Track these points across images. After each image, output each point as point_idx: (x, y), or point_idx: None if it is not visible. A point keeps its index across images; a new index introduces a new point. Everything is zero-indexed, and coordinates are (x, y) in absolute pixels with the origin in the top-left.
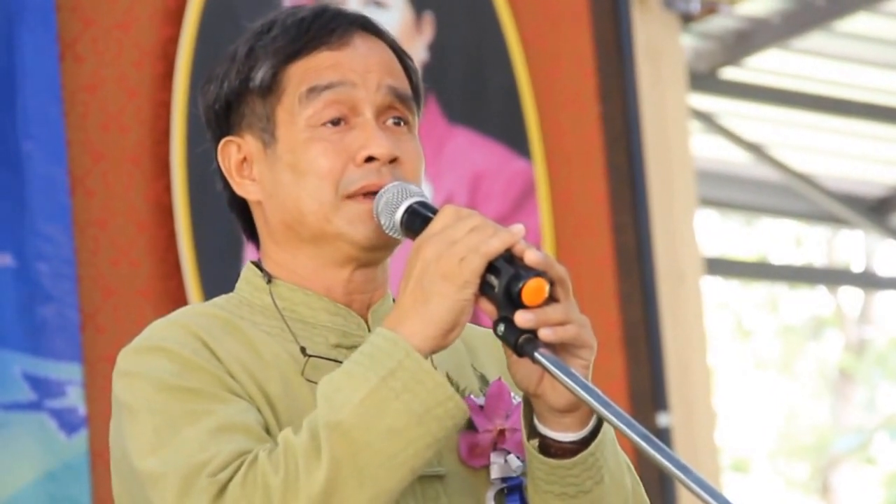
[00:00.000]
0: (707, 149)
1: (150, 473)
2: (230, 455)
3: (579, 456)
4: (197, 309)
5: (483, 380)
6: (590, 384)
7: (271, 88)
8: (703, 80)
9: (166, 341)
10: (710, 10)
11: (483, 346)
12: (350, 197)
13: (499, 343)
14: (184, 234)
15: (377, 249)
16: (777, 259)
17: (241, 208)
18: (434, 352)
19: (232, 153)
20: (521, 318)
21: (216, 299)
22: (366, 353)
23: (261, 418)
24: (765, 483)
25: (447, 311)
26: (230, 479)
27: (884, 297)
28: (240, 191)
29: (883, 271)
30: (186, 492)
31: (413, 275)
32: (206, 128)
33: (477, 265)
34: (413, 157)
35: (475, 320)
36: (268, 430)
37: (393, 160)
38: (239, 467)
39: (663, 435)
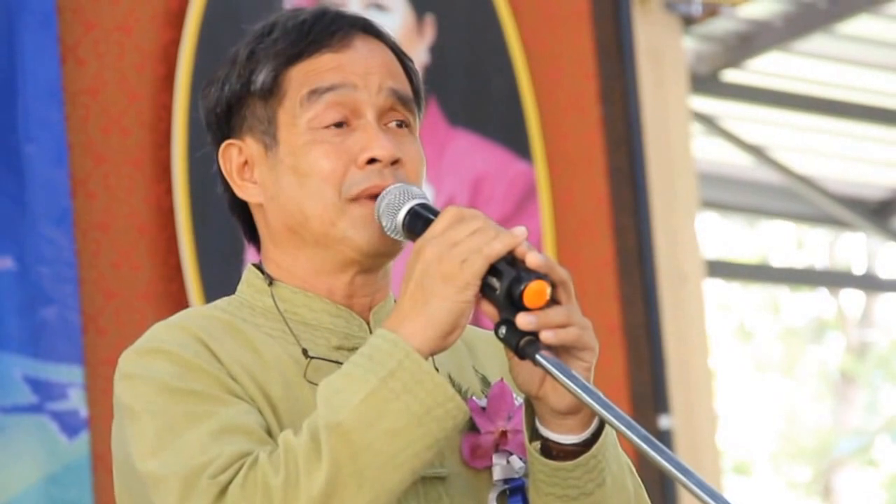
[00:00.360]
0: (708, 151)
1: (152, 476)
2: (231, 457)
3: (581, 458)
4: (198, 311)
5: (485, 381)
6: (591, 386)
7: (272, 91)
8: (705, 82)
9: (167, 344)
10: (711, 12)
11: (485, 347)
12: (353, 200)
13: (500, 345)
14: (185, 236)
15: (380, 255)
16: (778, 261)
17: (243, 211)
18: (434, 353)
19: (233, 156)
20: (523, 321)
21: (217, 302)
22: (365, 354)
23: (262, 420)
24: (766, 485)
25: (447, 312)
26: (231, 481)
27: (885, 299)
28: (241, 194)
29: (884, 274)
30: (188, 494)
31: (414, 276)
32: (206, 131)
33: (478, 267)
34: (415, 159)
35: (476, 322)
36: (269, 432)
37: (395, 162)
38: (240, 469)
39: (664, 437)
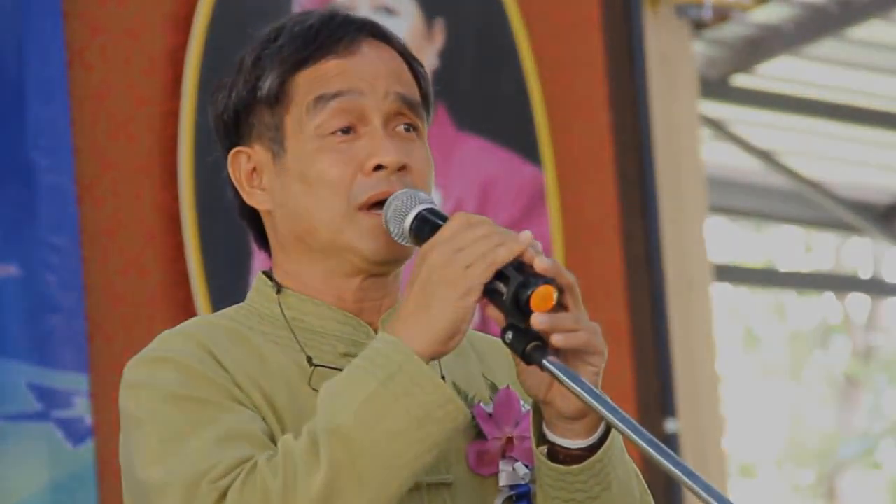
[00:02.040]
0: (717, 156)
1: (155, 483)
2: (232, 462)
3: (587, 462)
4: (205, 319)
5: (493, 388)
6: (597, 391)
7: (279, 98)
8: (715, 87)
9: (173, 352)
10: (722, 17)
11: (494, 354)
12: (361, 208)
13: (510, 351)
14: (191, 243)
15: (387, 262)
16: (785, 266)
17: (252, 218)
18: (435, 357)
19: (242, 163)
20: (537, 320)
21: (226, 310)
22: (366, 357)
23: (266, 427)
24: (771, 488)
25: (449, 317)
26: (230, 485)
27: (891, 303)
28: (250, 200)
29: (891, 278)
30: (189, 500)
31: (418, 280)
32: (216, 137)
33: (482, 273)
34: (422, 164)
35: (484, 329)
36: (273, 440)
37: (402, 168)
38: (240, 473)
39: (671, 441)
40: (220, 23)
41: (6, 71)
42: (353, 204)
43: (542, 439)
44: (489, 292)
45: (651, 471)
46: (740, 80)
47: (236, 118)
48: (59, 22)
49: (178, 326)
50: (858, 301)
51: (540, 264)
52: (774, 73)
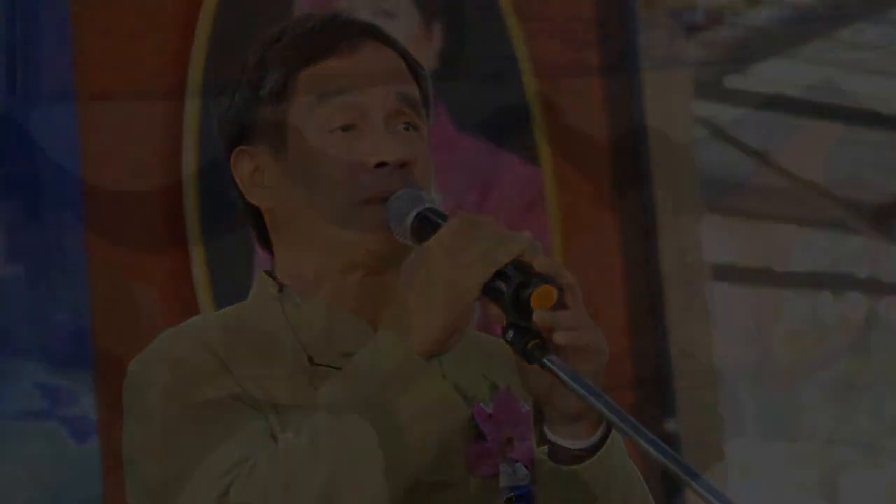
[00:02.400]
0: (712, 156)
1: (156, 481)
2: (234, 460)
3: (587, 462)
4: (207, 319)
5: (494, 388)
6: (598, 390)
7: (281, 97)
8: (709, 88)
9: (175, 351)
10: (715, 20)
11: (499, 355)
12: (364, 203)
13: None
14: (195, 244)
15: (388, 258)
16: (782, 265)
17: (255, 217)
18: (434, 355)
19: (244, 162)
20: (539, 316)
21: (228, 308)
22: (365, 355)
23: (267, 426)
24: (772, 488)
25: (448, 315)
26: (231, 484)
27: (889, 302)
28: (252, 199)
29: (888, 277)
30: (190, 498)
31: (417, 279)
32: (219, 137)
33: (482, 272)
34: (423, 163)
35: (486, 329)
36: (275, 439)
37: (403, 165)
38: (241, 472)
39: (671, 441)
40: (223, 26)
41: (13, 72)
42: (355, 200)
43: (542, 439)
44: (490, 291)
45: (652, 471)
46: (734, 81)
47: (239, 117)
48: (66, 25)
49: (180, 325)
50: (856, 300)
51: (540, 264)
52: (767, 74)
